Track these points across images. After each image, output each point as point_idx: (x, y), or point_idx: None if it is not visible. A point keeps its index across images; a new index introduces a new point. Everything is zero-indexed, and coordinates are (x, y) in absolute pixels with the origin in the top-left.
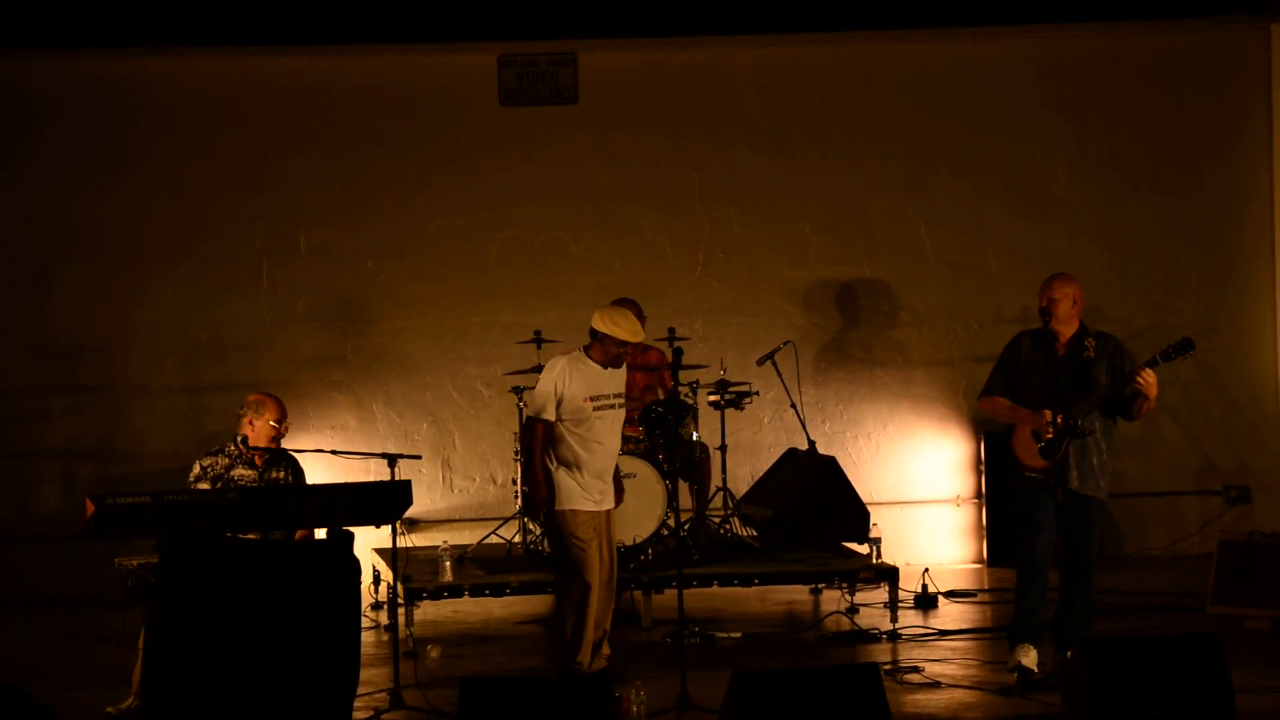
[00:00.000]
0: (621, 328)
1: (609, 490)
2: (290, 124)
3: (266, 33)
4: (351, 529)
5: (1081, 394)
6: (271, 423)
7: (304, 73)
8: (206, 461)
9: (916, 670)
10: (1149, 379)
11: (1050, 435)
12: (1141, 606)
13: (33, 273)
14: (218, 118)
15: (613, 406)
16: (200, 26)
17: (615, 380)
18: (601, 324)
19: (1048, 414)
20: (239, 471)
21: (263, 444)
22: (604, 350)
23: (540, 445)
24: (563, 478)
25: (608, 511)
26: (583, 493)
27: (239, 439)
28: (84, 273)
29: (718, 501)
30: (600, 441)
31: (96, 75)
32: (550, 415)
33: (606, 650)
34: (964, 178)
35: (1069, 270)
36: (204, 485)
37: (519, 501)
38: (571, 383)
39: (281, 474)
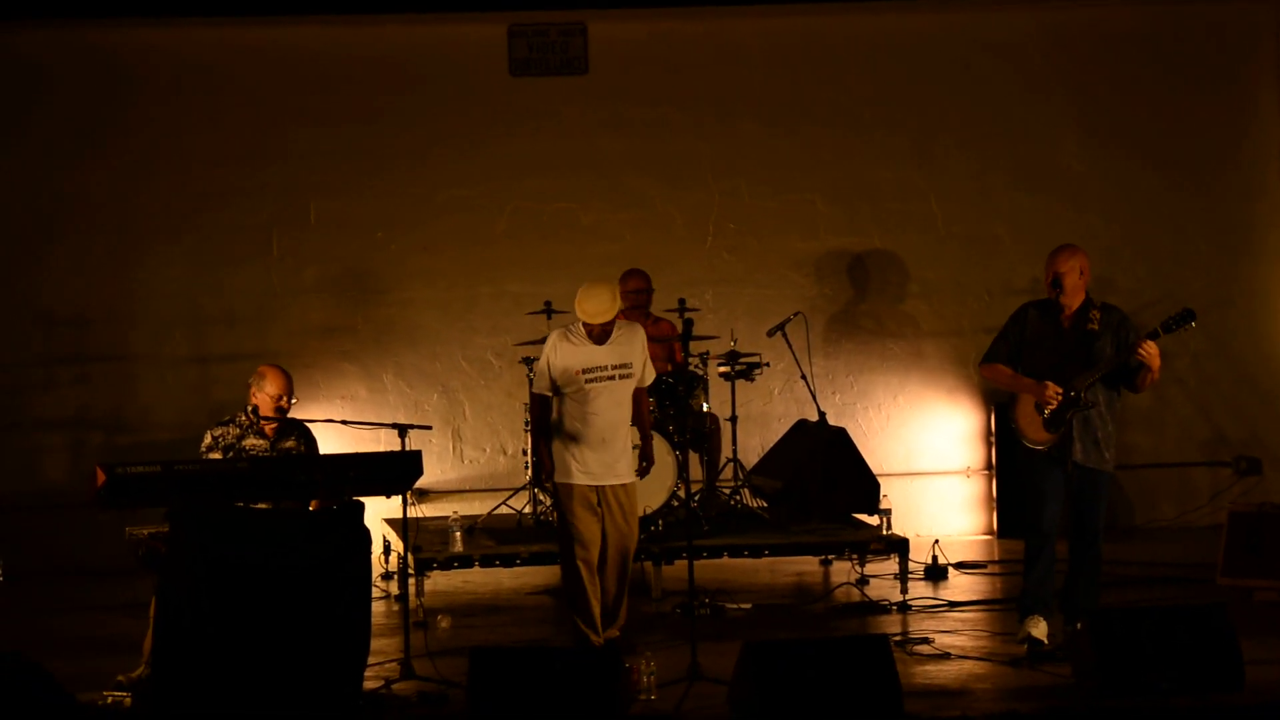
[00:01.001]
0: (582, 308)
1: (615, 464)
2: (298, 94)
3: (273, 3)
4: (362, 499)
5: (1085, 366)
6: (271, 395)
7: (311, 43)
8: (218, 432)
9: (927, 641)
10: (1151, 350)
11: (1053, 407)
12: (1151, 578)
13: (39, 243)
14: (225, 88)
15: (611, 378)
16: None
17: (616, 352)
18: (576, 303)
19: (1051, 386)
20: (250, 441)
21: (265, 412)
22: (587, 326)
23: (539, 419)
24: (559, 451)
25: (624, 485)
26: (577, 466)
27: (250, 409)
28: (91, 243)
29: (728, 473)
30: (596, 413)
31: (101, 45)
32: (544, 389)
33: (621, 620)
34: (972, 149)
35: (1077, 242)
36: (215, 455)
37: (529, 472)
38: (562, 356)
39: (293, 443)
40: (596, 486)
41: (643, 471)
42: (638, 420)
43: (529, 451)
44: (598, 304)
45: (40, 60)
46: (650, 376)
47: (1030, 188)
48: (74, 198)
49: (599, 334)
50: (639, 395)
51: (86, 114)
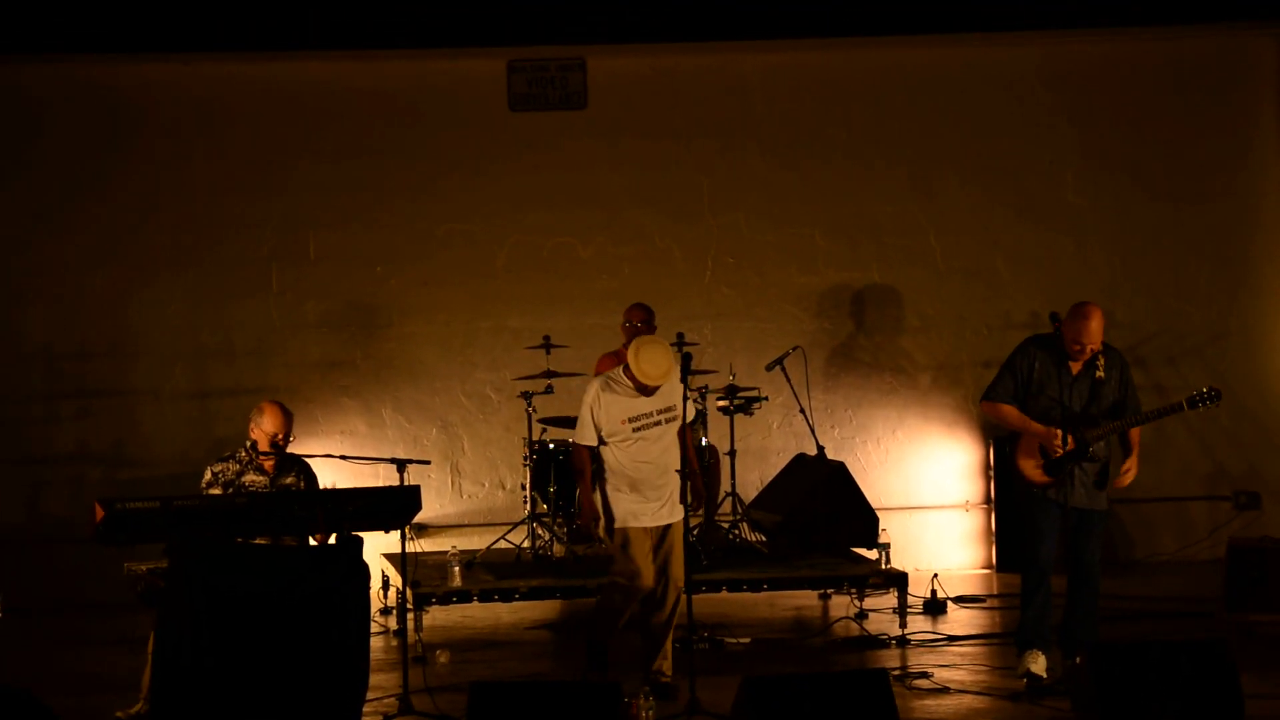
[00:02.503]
0: (643, 371)
1: (669, 503)
2: (298, 129)
3: (274, 38)
4: (360, 534)
5: (1092, 414)
6: (267, 432)
7: (312, 78)
8: (218, 468)
9: (926, 676)
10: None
11: (1060, 455)
12: (1151, 612)
13: (40, 278)
14: (225, 123)
15: (659, 423)
16: (206, 32)
17: (660, 398)
18: (630, 359)
19: (1059, 434)
20: (250, 477)
21: (262, 448)
22: (634, 380)
23: (585, 469)
24: (616, 497)
25: (666, 529)
26: (638, 510)
27: (249, 444)
28: (92, 277)
29: (726, 507)
30: (648, 461)
31: (102, 80)
32: (588, 440)
33: (670, 661)
34: (973, 183)
35: (1077, 276)
36: (216, 491)
37: (528, 507)
38: (606, 406)
39: (293, 479)
40: (654, 529)
41: (696, 505)
42: (684, 455)
43: (527, 486)
44: (658, 367)
45: (41, 96)
46: (690, 415)
47: (1030, 221)
48: (75, 232)
49: (652, 390)
50: (684, 432)
51: (87, 148)
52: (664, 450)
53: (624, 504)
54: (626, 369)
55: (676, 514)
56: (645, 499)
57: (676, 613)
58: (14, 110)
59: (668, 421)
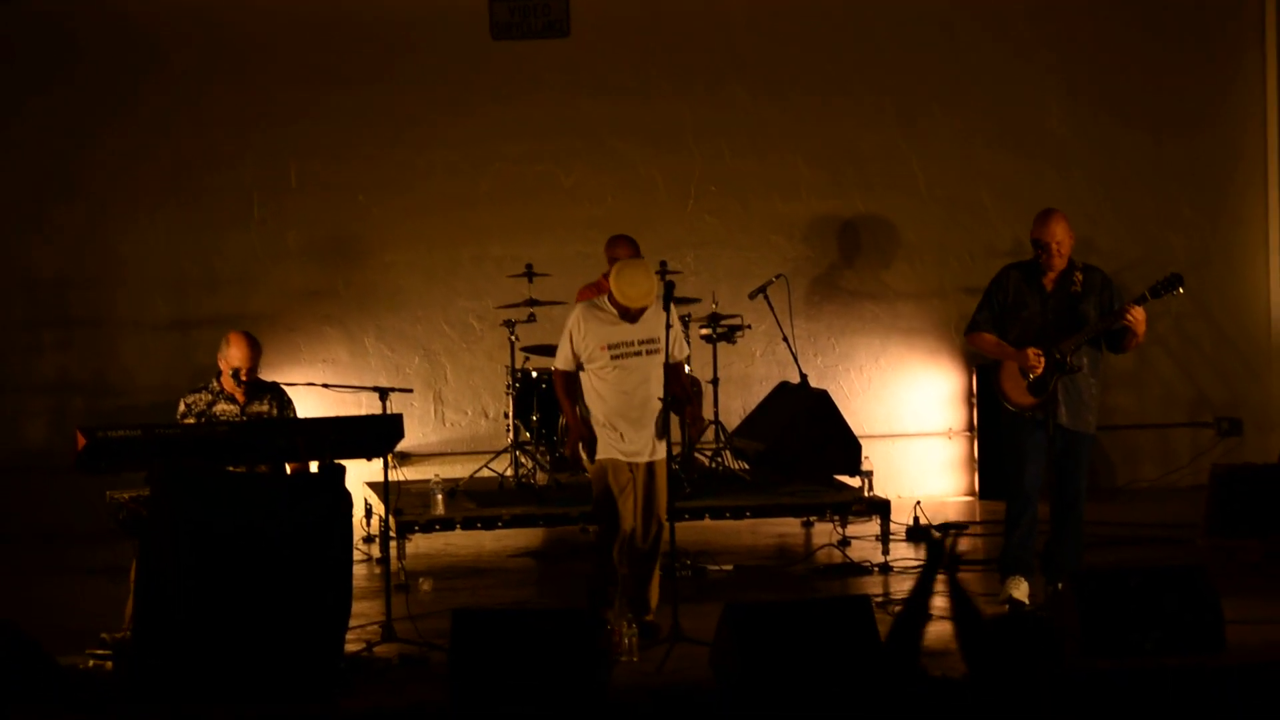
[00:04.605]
0: (624, 292)
1: (648, 440)
2: (280, 58)
3: None
4: (343, 462)
5: (1070, 329)
6: (230, 363)
7: (293, 7)
8: (191, 399)
9: None
10: (1137, 315)
11: (1038, 372)
12: (1132, 538)
13: (23, 209)
14: (207, 53)
15: (638, 354)
16: None
17: (644, 327)
18: (612, 281)
19: (1035, 351)
20: (221, 407)
21: (226, 380)
22: (617, 305)
23: (565, 395)
24: (593, 430)
25: (650, 467)
26: (609, 443)
27: (219, 374)
28: (73, 207)
29: (709, 435)
30: (626, 391)
31: (67, 11)
32: (566, 365)
33: (654, 603)
34: (956, 112)
35: (1059, 204)
36: (190, 421)
37: (510, 435)
38: (586, 333)
39: (265, 406)
40: (631, 464)
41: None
42: (677, 395)
43: (510, 414)
44: (637, 288)
45: (18, 32)
46: (683, 352)
47: (1013, 150)
48: (54, 162)
49: (634, 315)
50: (676, 371)
51: (72, 82)
52: (643, 381)
53: (601, 437)
54: (610, 294)
55: (659, 452)
56: (623, 432)
57: (659, 550)
58: None
59: (649, 353)
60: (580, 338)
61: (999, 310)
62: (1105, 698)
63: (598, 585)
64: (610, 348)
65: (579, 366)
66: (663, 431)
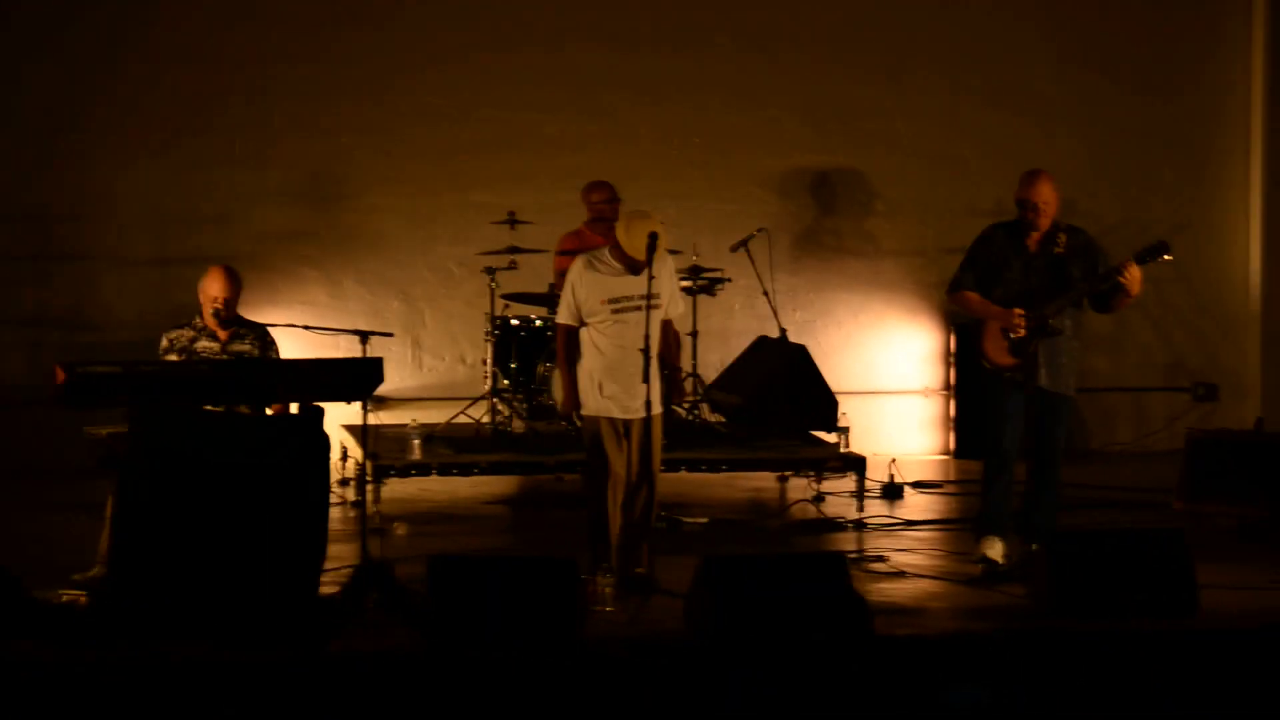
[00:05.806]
0: (632, 244)
1: (643, 396)
2: (268, 1)
3: None
4: (321, 405)
5: (1053, 290)
6: (209, 296)
7: None
8: (173, 334)
9: (882, 559)
10: (1134, 274)
11: (1021, 333)
12: (1107, 501)
13: (5, 144)
14: None
15: (639, 308)
16: None
17: (644, 281)
18: (619, 232)
19: (1018, 311)
20: (203, 343)
21: (206, 316)
22: (621, 256)
23: (564, 349)
24: (585, 383)
25: (646, 423)
26: (602, 399)
27: (201, 311)
28: (53, 141)
29: (687, 387)
30: (624, 345)
31: None
32: (567, 319)
33: (645, 557)
34: (942, 70)
35: (1043, 164)
36: (173, 357)
37: (488, 382)
38: (588, 285)
39: (247, 346)
40: (625, 420)
41: (675, 403)
42: (665, 353)
43: (488, 361)
44: (640, 243)
45: None
46: (678, 309)
47: (998, 109)
48: (34, 94)
49: (639, 267)
50: (667, 327)
51: (53, 14)
52: (641, 337)
53: (593, 390)
54: (615, 246)
55: (640, 411)
56: (616, 386)
57: (653, 508)
58: None
59: (649, 307)
60: (582, 290)
61: (983, 269)
62: (1077, 660)
63: (594, 540)
64: (611, 301)
65: (581, 322)
66: (662, 388)
